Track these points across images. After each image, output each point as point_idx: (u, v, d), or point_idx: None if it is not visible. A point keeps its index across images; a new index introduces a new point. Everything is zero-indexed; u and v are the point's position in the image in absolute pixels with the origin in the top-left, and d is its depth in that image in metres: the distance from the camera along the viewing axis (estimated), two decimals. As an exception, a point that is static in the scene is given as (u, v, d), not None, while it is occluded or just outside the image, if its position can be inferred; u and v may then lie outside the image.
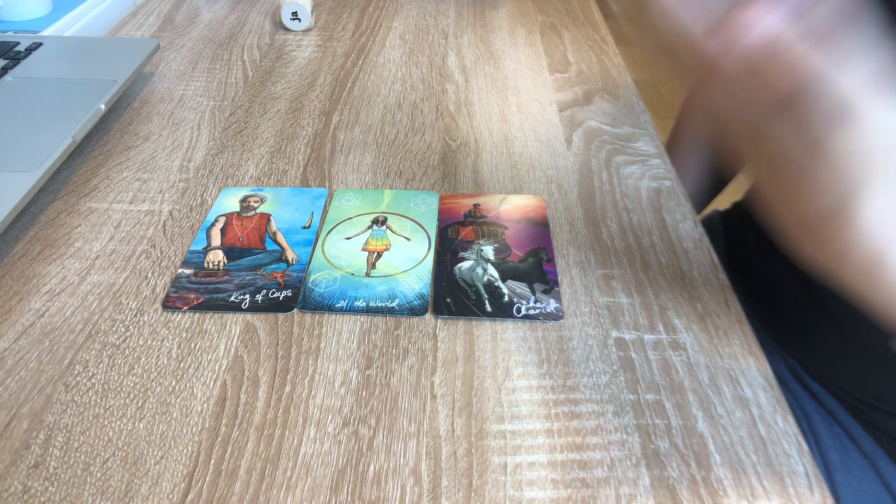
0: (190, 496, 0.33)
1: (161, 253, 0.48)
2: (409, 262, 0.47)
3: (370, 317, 0.43)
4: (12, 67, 0.65)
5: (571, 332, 0.42)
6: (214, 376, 0.39)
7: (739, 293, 0.45)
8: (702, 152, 0.71)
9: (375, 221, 0.51)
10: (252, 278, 0.46)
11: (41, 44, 0.70)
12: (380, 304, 0.44)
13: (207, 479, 0.34)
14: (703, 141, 0.72)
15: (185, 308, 0.43)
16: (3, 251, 0.48)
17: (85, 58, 0.67)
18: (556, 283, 0.45)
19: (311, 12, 0.83)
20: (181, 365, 0.40)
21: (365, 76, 0.73)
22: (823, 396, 0.56)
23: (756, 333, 0.42)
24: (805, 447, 0.36)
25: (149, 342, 0.41)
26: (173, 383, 0.39)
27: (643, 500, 0.33)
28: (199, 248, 0.48)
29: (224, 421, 0.37)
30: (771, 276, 0.59)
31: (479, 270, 0.46)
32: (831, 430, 0.54)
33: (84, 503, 0.33)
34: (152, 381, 0.39)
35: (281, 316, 0.43)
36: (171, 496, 0.33)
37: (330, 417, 0.37)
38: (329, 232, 0.50)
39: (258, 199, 0.53)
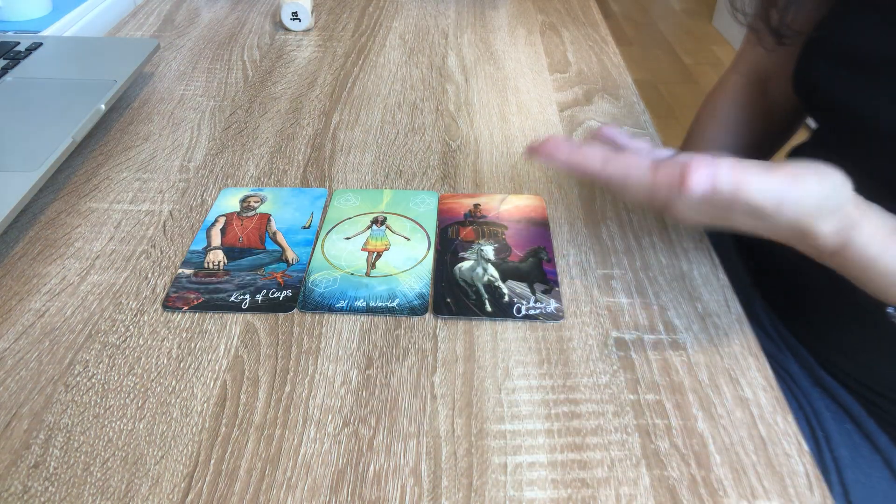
0: (190, 496, 0.33)
1: (161, 253, 0.48)
2: (408, 262, 0.47)
3: (370, 317, 0.43)
4: (12, 67, 0.65)
5: (571, 332, 0.42)
6: (214, 376, 0.39)
7: (758, 287, 0.45)
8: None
9: (375, 221, 0.51)
10: (252, 278, 0.46)
11: (41, 44, 0.70)
12: (380, 304, 0.44)
13: (207, 479, 0.34)
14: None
15: (186, 308, 0.43)
16: (3, 251, 0.48)
17: (85, 58, 0.67)
18: (557, 283, 0.45)
19: (311, 12, 0.83)
20: (181, 365, 0.40)
21: (365, 76, 0.73)
22: (837, 391, 0.56)
23: (771, 326, 0.41)
24: (805, 447, 0.36)
25: (149, 342, 0.41)
26: (173, 383, 0.39)
27: (643, 500, 0.33)
28: (200, 248, 0.48)
29: (224, 421, 0.37)
30: (793, 268, 0.58)
31: (480, 270, 0.46)
32: (841, 427, 0.53)
33: (84, 503, 0.33)
34: (152, 381, 0.39)
35: (281, 316, 0.43)
36: (171, 496, 0.33)
37: (330, 417, 0.37)
38: (329, 232, 0.50)
39: (258, 199, 0.53)
